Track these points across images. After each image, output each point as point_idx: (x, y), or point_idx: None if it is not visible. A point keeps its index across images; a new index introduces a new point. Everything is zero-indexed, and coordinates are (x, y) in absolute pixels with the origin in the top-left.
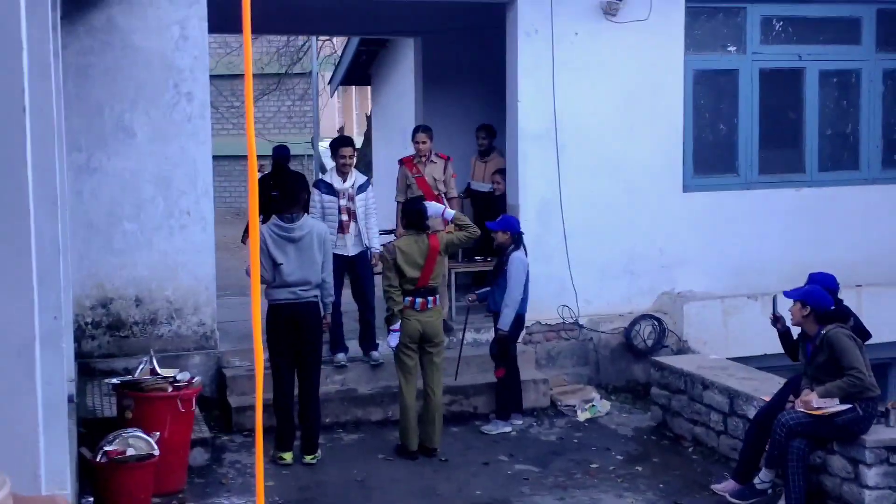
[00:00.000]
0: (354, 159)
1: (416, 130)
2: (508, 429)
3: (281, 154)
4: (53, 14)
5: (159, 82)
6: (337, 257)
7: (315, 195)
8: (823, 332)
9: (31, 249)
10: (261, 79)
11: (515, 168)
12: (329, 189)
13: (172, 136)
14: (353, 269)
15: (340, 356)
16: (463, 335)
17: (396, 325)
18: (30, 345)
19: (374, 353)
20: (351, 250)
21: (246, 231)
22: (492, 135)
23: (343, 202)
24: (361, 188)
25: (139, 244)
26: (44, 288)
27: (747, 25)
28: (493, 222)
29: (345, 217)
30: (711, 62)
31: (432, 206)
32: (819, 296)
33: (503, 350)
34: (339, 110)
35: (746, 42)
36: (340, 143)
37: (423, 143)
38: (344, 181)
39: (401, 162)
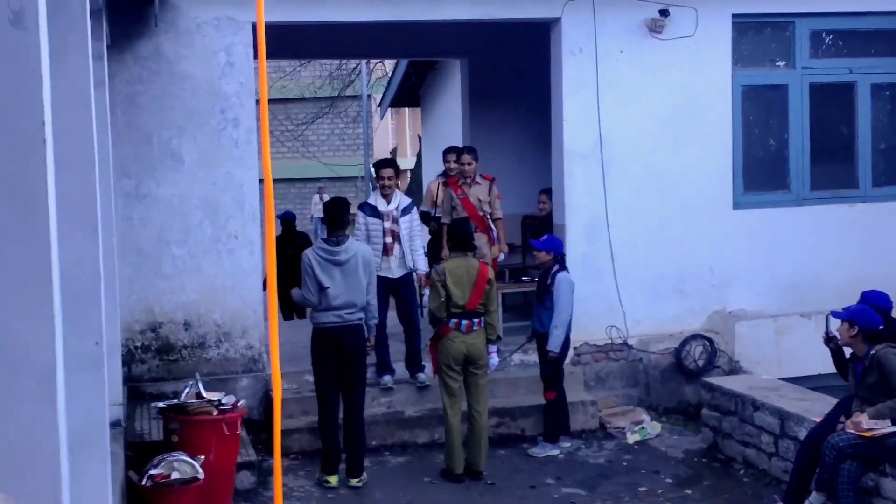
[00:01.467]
0: (396, 181)
1: (460, 151)
2: (556, 451)
3: (286, 216)
4: (98, 44)
5: (206, 109)
6: (381, 280)
7: (360, 217)
8: (872, 352)
9: (52, 278)
10: (314, 102)
11: (562, 187)
12: (373, 211)
13: (219, 162)
14: (397, 291)
15: (387, 378)
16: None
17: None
18: (51, 372)
19: (421, 375)
20: (395, 272)
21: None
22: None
23: (387, 224)
24: (405, 210)
25: (187, 269)
26: (84, 313)
27: (796, 39)
28: (537, 241)
29: (389, 239)
30: (760, 77)
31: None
32: (867, 315)
33: (555, 372)
34: (393, 132)
35: (795, 56)
36: (381, 164)
37: (469, 164)
38: (388, 203)
39: (445, 183)
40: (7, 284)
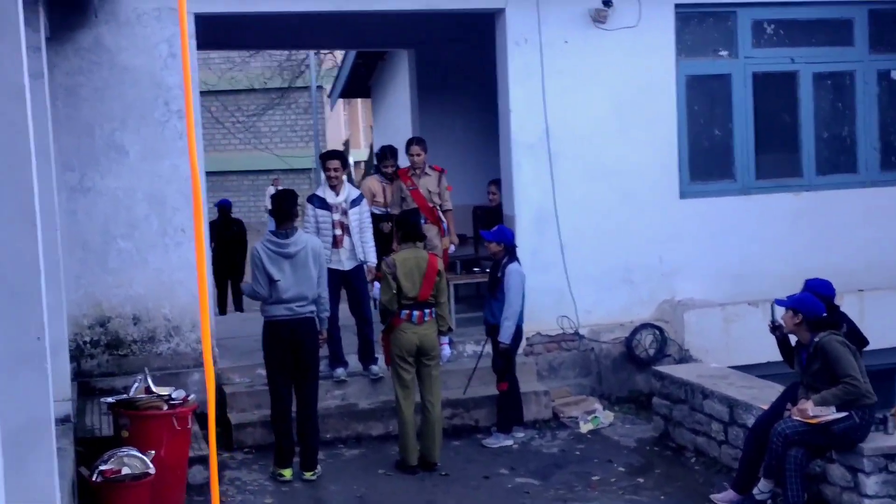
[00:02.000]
0: (343, 172)
1: (409, 143)
2: (510, 442)
3: (222, 204)
4: (35, 35)
5: (149, 101)
6: (332, 272)
7: (309, 210)
8: (816, 339)
9: None
10: (264, 93)
11: (510, 178)
12: (322, 203)
13: (164, 154)
14: (348, 283)
15: (340, 371)
16: (481, 352)
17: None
18: None
19: (374, 368)
20: (346, 264)
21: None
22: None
23: (336, 216)
24: (355, 202)
25: (134, 262)
26: (25, 309)
27: (738, 29)
28: (487, 232)
29: (338, 231)
30: (703, 67)
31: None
32: (810, 303)
33: (507, 363)
34: (346, 122)
35: (738, 46)
36: (327, 156)
37: (418, 155)
38: (337, 195)
39: (396, 172)
40: None
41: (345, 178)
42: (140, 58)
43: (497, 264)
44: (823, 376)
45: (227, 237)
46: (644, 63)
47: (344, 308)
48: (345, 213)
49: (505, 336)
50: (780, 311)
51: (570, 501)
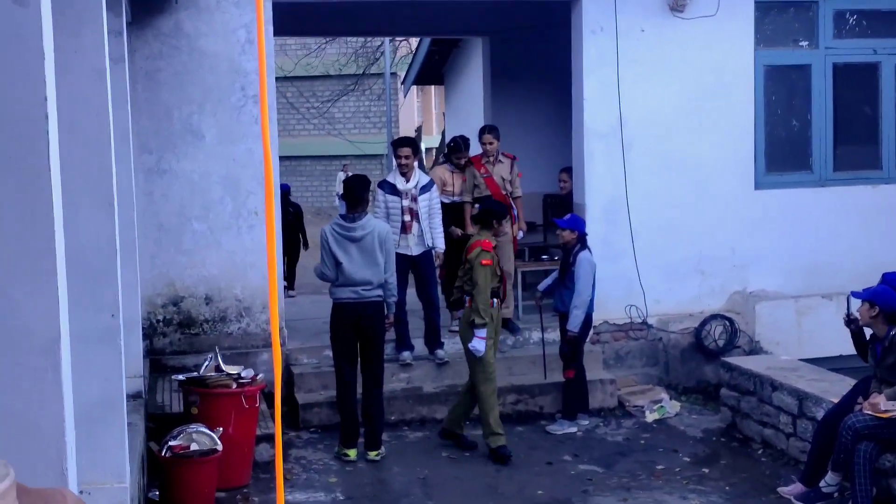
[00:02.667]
0: (414, 160)
1: (482, 131)
2: (574, 429)
3: (281, 189)
4: (117, 20)
5: (226, 86)
6: (401, 257)
7: (379, 195)
8: (892, 333)
9: (55, 251)
10: (339, 80)
11: (582, 166)
12: (392, 189)
13: (240, 138)
14: (416, 268)
15: (406, 354)
16: (542, 333)
17: (483, 333)
18: (55, 343)
19: (440, 352)
20: (414, 250)
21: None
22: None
23: (406, 202)
24: (425, 188)
25: (208, 244)
26: (101, 287)
27: (819, 19)
28: (560, 220)
29: (407, 217)
30: (783, 57)
31: None
32: (888, 296)
33: (574, 351)
34: (419, 109)
35: (819, 36)
36: (398, 143)
37: (490, 143)
38: (407, 181)
39: (468, 161)
40: (11, 259)
41: (416, 164)
42: (218, 43)
43: (568, 252)
44: None
45: (284, 221)
46: (722, 53)
47: (411, 293)
48: (414, 199)
49: (574, 324)
50: (856, 304)
51: (634, 490)
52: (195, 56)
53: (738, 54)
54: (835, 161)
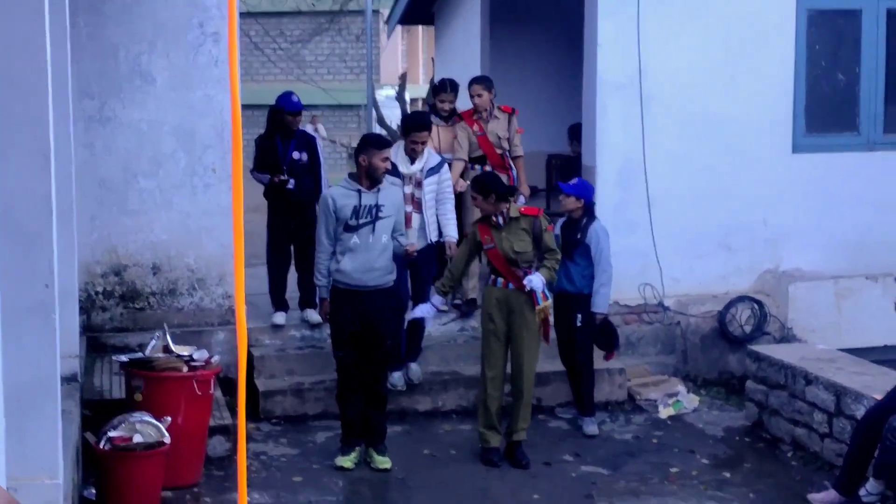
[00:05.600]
0: (427, 145)
1: (470, 82)
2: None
3: (284, 105)
4: None
5: (182, 21)
6: (397, 255)
7: None
8: None
9: None
10: (312, 17)
11: (594, 123)
12: (393, 171)
13: (196, 83)
14: (413, 268)
15: (397, 376)
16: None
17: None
18: None
19: (413, 366)
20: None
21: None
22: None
23: (408, 189)
24: (432, 171)
25: (157, 205)
26: (35, 252)
27: None
28: (566, 184)
29: (408, 207)
30: (830, 1)
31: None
32: None
33: (609, 333)
34: (404, 53)
35: None
36: (414, 127)
37: (479, 95)
38: (412, 163)
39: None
40: None
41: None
42: None
43: (573, 223)
44: None
45: None
46: None
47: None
48: (419, 184)
49: (603, 305)
50: None
51: (644, 495)
52: None
53: None
54: (885, 122)
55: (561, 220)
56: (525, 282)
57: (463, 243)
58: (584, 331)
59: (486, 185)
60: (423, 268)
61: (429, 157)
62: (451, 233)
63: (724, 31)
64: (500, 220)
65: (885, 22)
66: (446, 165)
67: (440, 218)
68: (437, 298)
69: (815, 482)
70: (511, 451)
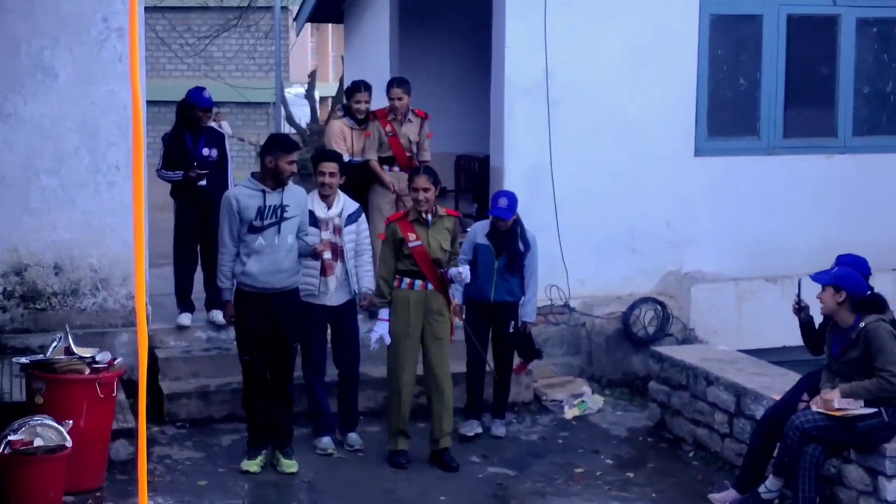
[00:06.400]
0: (339, 179)
1: (391, 83)
2: (481, 429)
3: (195, 101)
4: None
5: (86, 15)
6: (317, 308)
7: None
8: (862, 324)
9: None
10: (219, 12)
11: (501, 125)
12: (309, 218)
13: (100, 78)
14: (336, 323)
15: (326, 441)
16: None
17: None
18: None
19: (352, 436)
20: (334, 298)
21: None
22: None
23: (326, 235)
24: (352, 218)
25: (60, 203)
26: None
27: None
28: (501, 209)
29: (328, 255)
30: (731, 6)
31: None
32: (855, 280)
33: (531, 344)
34: (313, 51)
35: None
36: (322, 157)
37: (399, 99)
38: (329, 208)
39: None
40: None
41: (339, 184)
42: None
43: (507, 233)
44: (860, 366)
45: None
46: None
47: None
48: (338, 230)
49: (530, 314)
50: (810, 289)
51: (549, 496)
52: None
53: (682, 1)
54: (785, 126)
55: (482, 229)
56: (459, 271)
57: (384, 245)
58: (514, 338)
59: (437, 179)
60: (345, 324)
61: (345, 202)
62: (368, 284)
63: (629, 35)
64: (430, 216)
65: (785, 27)
66: (364, 214)
67: (357, 269)
68: (383, 311)
69: (716, 481)
70: (438, 457)
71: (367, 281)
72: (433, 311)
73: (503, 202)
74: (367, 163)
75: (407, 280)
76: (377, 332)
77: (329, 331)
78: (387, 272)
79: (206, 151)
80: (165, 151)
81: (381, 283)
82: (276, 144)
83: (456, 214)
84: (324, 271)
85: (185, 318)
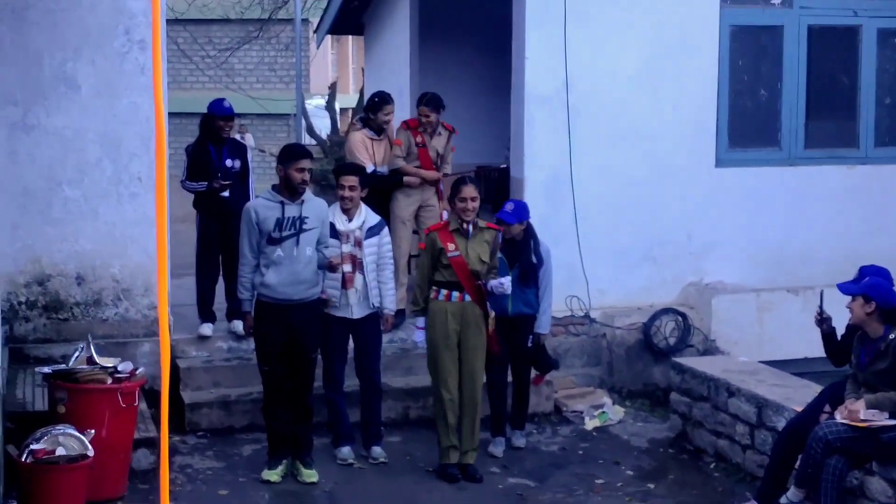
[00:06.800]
0: (360, 192)
1: (420, 100)
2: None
3: (215, 110)
4: None
5: (108, 28)
6: (338, 321)
7: None
8: (892, 335)
9: None
10: (240, 25)
11: (521, 136)
12: (330, 230)
13: (122, 90)
14: (357, 337)
15: (346, 451)
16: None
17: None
18: None
19: (377, 449)
20: (355, 312)
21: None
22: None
23: (347, 248)
24: (372, 231)
25: (82, 213)
26: None
27: None
28: (507, 214)
29: (348, 268)
30: (752, 17)
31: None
32: (885, 290)
33: (545, 355)
34: (334, 63)
35: None
36: (343, 171)
37: (427, 116)
38: (349, 220)
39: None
40: None
41: (361, 197)
42: None
43: (519, 245)
44: (888, 377)
45: None
46: (683, 9)
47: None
48: (358, 243)
49: (548, 325)
50: (836, 300)
51: None
52: None
53: (701, 11)
54: (806, 137)
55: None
56: (501, 282)
57: (423, 254)
58: (531, 350)
59: (480, 189)
60: (367, 336)
61: (367, 214)
62: (390, 305)
63: (649, 45)
64: (471, 228)
65: (805, 38)
66: (386, 227)
67: (380, 286)
68: (420, 320)
69: (738, 493)
70: (463, 469)
71: (388, 301)
72: (469, 323)
73: (509, 207)
74: (394, 172)
75: (444, 292)
76: (419, 335)
77: (351, 342)
78: (423, 280)
79: (229, 162)
80: (189, 162)
81: (416, 290)
82: (284, 153)
83: (497, 228)
84: (344, 284)
85: (207, 329)
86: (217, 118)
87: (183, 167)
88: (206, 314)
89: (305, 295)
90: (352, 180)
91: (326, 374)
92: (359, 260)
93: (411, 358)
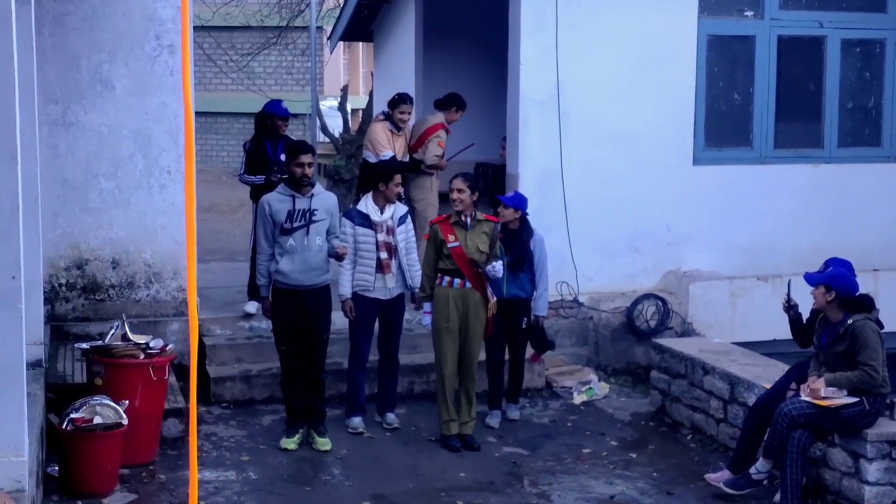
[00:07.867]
0: (399, 188)
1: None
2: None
3: (275, 111)
4: None
5: (140, 33)
6: (372, 302)
7: (346, 227)
8: (850, 321)
9: None
10: (260, 31)
11: (516, 135)
12: (364, 220)
13: (153, 90)
14: (386, 314)
15: (356, 421)
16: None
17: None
18: None
19: (391, 416)
20: (394, 291)
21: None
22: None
23: (381, 237)
24: (402, 219)
25: (116, 203)
26: (1, 246)
27: None
28: (505, 196)
29: (384, 254)
30: (727, 27)
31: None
32: (845, 280)
33: (544, 336)
34: (345, 67)
35: (764, 7)
36: (393, 170)
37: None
38: (381, 211)
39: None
40: None
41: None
42: None
43: (514, 234)
44: (845, 358)
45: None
46: (664, 20)
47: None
48: (391, 231)
49: (546, 307)
50: (802, 288)
51: (559, 474)
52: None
53: (680, 22)
54: (776, 138)
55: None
56: (493, 265)
57: (427, 245)
58: (527, 331)
59: (474, 184)
60: (394, 314)
61: (396, 205)
62: (419, 284)
63: (633, 53)
64: (469, 220)
65: (775, 47)
66: (410, 216)
67: (409, 268)
68: (427, 305)
69: (712, 462)
70: (462, 438)
71: (417, 281)
72: (470, 307)
73: (510, 192)
74: (432, 166)
75: (447, 279)
76: (426, 318)
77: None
78: (429, 269)
79: (283, 157)
80: (247, 158)
81: (423, 278)
82: (287, 150)
83: (495, 220)
84: (381, 269)
85: (252, 307)
86: (277, 118)
87: (241, 162)
88: (254, 293)
89: (316, 281)
90: (398, 178)
91: (353, 350)
92: (393, 246)
93: (415, 337)
